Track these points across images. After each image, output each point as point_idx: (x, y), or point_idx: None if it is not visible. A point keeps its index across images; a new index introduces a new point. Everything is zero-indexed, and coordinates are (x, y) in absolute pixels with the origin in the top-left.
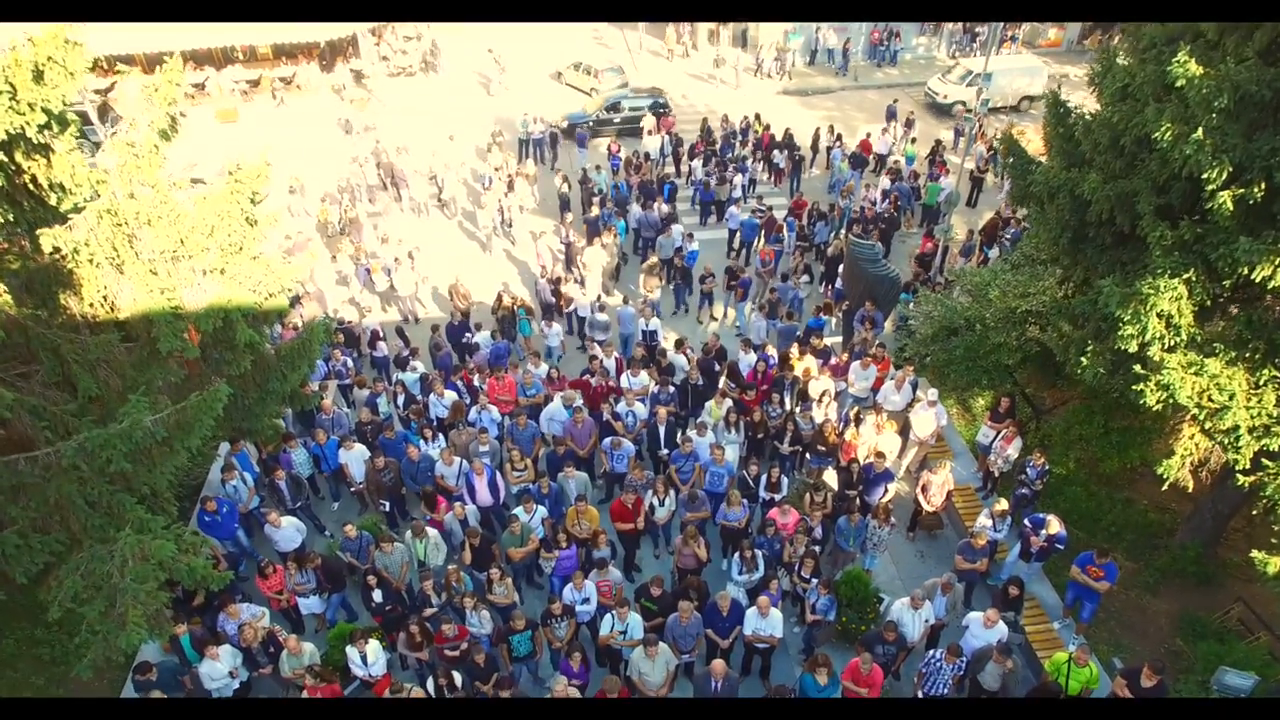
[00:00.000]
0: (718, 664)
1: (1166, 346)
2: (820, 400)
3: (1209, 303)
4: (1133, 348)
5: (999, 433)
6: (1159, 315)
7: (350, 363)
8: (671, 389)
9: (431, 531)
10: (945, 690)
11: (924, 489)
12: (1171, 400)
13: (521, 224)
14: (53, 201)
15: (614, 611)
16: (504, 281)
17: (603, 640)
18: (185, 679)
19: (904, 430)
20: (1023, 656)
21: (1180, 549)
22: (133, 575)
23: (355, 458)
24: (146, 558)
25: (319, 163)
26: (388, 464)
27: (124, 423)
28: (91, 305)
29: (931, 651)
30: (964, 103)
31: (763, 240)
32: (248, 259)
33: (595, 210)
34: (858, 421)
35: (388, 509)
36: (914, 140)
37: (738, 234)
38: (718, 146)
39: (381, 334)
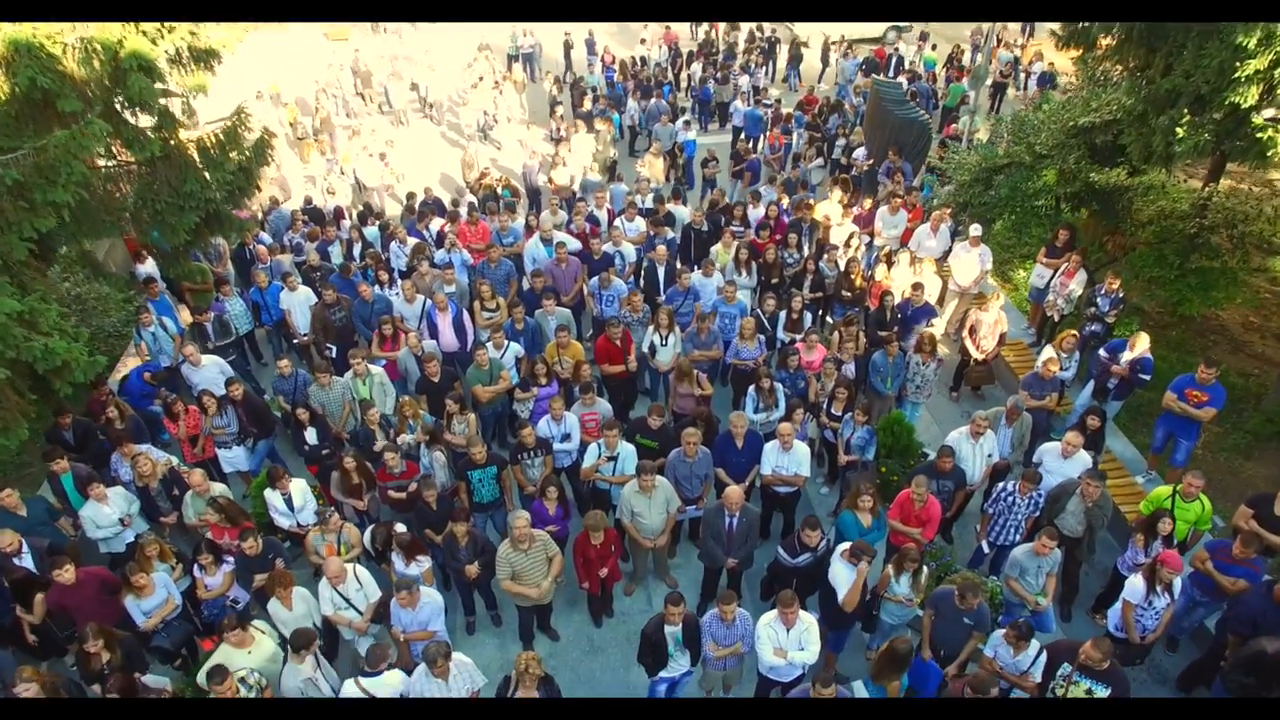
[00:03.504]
0: (733, 490)
1: None
2: (846, 243)
3: None
4: (1251, 98)
5: (1058, 269)
6: None
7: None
8: (672, 234)
9: (375, 369)
10: (1018, 537)
11: (972, 331)
12: None
13: (509, 132)
14: None
15: (601, 439)
16: (486, 166)
17: (585, 473)
18: (62, 522)
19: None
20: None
21: (1276, 408)
22: None
23: (299, 302)
24: None
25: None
26: (339, 299)
27: None
28: None
29: (1002, 484)
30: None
31: (771, 128)
32: None
33: (588, 106)
34: (889, 263)
35: (334, 355)
36: (935, 47)
37: (742, 132)
38: (719, 56)
39: (346, 213)
